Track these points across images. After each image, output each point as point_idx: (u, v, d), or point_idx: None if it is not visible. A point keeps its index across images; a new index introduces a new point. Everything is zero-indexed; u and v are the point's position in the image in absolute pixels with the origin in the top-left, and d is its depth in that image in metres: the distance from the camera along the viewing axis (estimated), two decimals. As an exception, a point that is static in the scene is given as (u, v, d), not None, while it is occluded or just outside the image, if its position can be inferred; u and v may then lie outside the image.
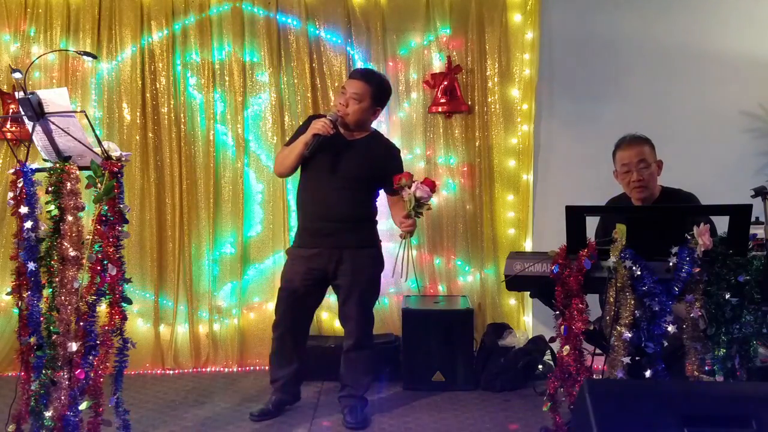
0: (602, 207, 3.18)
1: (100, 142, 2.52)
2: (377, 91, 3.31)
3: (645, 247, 2.48)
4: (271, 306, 4.28)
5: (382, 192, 3.46)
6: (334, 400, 3.54)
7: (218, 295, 4.37)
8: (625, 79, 4.32)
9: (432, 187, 3.12)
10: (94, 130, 2.58)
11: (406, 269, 3.12)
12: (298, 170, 3.39)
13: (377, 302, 4.31)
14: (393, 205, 3.42)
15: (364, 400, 3.48)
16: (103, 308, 2.52)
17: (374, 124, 4.29)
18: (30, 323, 2.52)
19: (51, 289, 2.47)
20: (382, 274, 3.47)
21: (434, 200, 4.35)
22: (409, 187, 3.10)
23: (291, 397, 3.54)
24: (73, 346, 2.43)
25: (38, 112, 2.47)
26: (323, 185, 3.31)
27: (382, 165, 3.32)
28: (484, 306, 4.37)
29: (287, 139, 3.64)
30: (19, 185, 2.50)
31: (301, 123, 3.63)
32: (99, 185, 2.49)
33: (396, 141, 4.36)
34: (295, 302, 3.39)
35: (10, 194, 2.52)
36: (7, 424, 2.59)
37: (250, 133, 4.36)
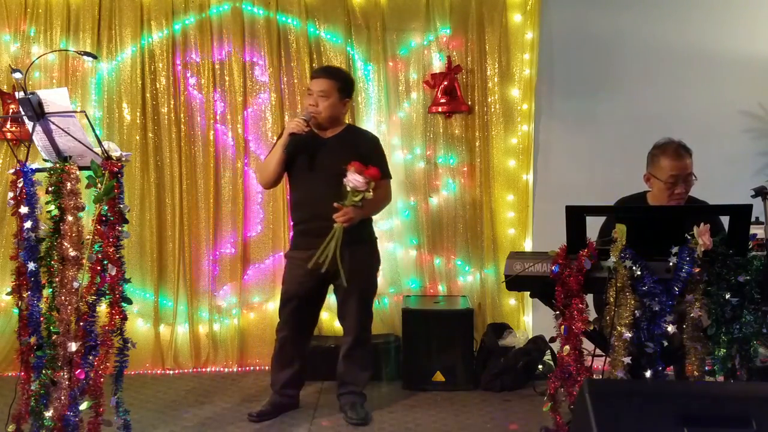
0: (602, 207, 3.17)
1: (100, 142, 2.52)
2: (342, 84, 3.36)
3: (648, 247, 2.48)
4: (271, 306, 4.29)
5: None
6: (334, 400, 3.54)
7: (218, 295, 4.37)
8: (625, 79, 4.31)
9: (373, 176, 3.11)
10: (94, 130, 2.58)
11: (325, 260, 3.12)
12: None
13: (377, 302, 4.34)
14: None
15: (363, 396, 3.50)
16: (103, 308, 2.53)
17: (374, 124, 4.35)
18: (30, 323, 2.52)
19: (51, 289, 2.48)
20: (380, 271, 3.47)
21: (434, 200, 4.38)
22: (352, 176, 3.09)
23: (289, 400, 3.54)
24: (73, 346, 2.43)
25: (38, 112, 2.47)
26: (308, 186, 3.33)
27: (361, 153, 3.26)
28: (484, 306, 4.37)
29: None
30: (19, 185, 2.50)
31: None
32: (99, 185, 2.49)
33: (396, 141, 4.37)
34: (297, 307, 3.41)
35: (10, 194, 2.53)
36: (7, 424, 2.59)
37: (250, 133, 4.36)
